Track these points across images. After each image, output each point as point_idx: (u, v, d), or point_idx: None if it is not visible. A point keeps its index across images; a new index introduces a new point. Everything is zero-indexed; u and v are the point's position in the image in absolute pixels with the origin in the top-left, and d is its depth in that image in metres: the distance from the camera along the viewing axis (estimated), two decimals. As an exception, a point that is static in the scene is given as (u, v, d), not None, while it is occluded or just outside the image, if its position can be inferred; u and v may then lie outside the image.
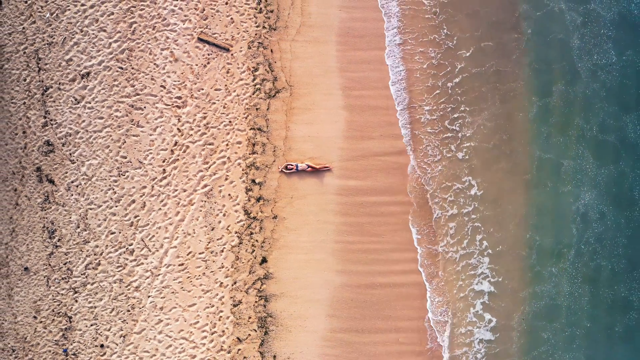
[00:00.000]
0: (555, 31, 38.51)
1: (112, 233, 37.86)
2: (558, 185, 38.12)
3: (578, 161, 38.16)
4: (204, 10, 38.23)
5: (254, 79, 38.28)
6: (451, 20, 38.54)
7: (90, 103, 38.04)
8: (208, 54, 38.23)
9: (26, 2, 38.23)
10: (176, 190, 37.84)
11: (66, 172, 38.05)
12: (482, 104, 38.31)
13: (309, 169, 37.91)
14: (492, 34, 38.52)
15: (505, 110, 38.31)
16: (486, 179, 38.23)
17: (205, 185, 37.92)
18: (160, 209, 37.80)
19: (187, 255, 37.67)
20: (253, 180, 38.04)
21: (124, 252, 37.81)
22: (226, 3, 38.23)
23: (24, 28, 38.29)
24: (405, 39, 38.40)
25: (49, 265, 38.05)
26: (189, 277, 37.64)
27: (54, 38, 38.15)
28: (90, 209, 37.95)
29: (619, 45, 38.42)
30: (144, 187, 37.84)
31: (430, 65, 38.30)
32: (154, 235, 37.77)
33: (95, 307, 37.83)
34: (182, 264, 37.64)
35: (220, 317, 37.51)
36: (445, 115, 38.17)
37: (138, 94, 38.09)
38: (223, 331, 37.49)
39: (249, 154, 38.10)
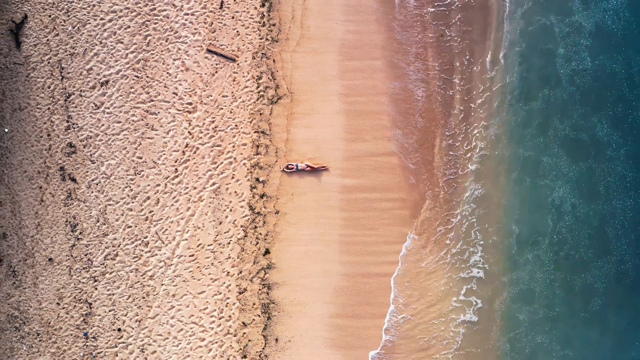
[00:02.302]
0: (545, 42, 41.19)
1: (129, 227, 40.65)
2: (537, 180, 40.85)
3: (554, 159, 40.80)
4: (212, 23, 41.04)
5: (258, 87, 40.97)
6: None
7: (109, 108, 40.84)
8: (216, 64, 40.98)
9: (50, 16, 41.12)
10: (187, 187, 40.63)
11: (87, 172, 40.85)
12: (495, 117, 40.91)
13: (308, 168, 40.46)
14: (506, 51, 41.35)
15: (507, 118, 40.97)
16: (487, 181, 40.84)
17: (214, 184, 40.69)
18: (172, 204, 40.57)
19: (197, 247, 40.43)
20: (257, 179, 40.76)
21: (140, 244, 40.61)
22: (232, 17, 41.07)
23: (48, 40, 41.14)
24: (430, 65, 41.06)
25: (71, 256, 40.87)
26: (198, 267, 40.41)
27: (75, 49, 40.99)
28: (109, 204, 40.75)
29: (593, 51, 41.20)
30: (158, 185, 40.65)
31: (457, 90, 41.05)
32: (167, 229, 40.56)
33: (113, 295, 40.59)
34: (193, 255, 40.41)
35: (227, 303, 40.27)
36: (467, 136, 40.86)
37: (152, 100, 40.86)
38: (230, 316, 40.24)
39: (254, 155, 40.80)
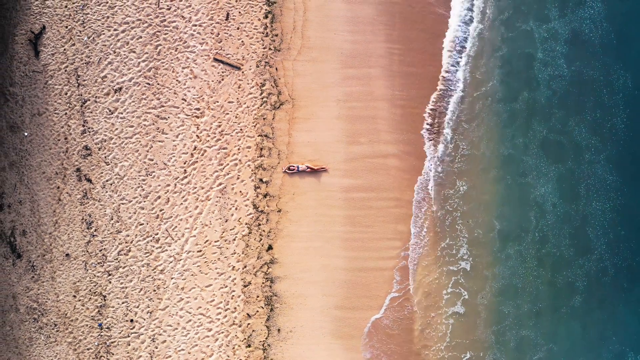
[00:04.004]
0: (524, 47, 43.45)
1: (141, 224, 42.81)
2: (519, 179, 42.98)
3: (535, 160, 42.90)
4: (218, 34, 43.32)
5: (261, 93, 43.15)
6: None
7: (122, 114, 43.00)
8: (222, 72, 43.17)
9: (67, 27, 43.26)
10: (195, 187, 42.76)
11: (102, 172, 42.99)
12: (477, 119, 43.27)
13: (309, 169, 42.49)
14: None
15: (487, 119, 43.37)
16: (470, 179, 43.09)
17: (220, 184, 42.83)
18: (181, 203, 42.70)
19: (205, 243, 42.57)
20: (261, 179, 42.86)
21: (151, 241, 42.70)
22: (238, 28, 43.39)
23: (65, 49, 43.29)
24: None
25: (87, 251, 42.97)
26: (206, 261, 42.51)
27: (91, 58, 43.14)
28: (122, 203, 42.90)
29: (570, 58, 43.36)
30: (168, 185, 42.80)
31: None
32: (176, 226, 42.69)
33: (126, 288, 42.67)
34: (200, 251, 42.56)
35: (233, 296, 42.37)
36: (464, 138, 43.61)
37: (163, 106, 43.04)
38: (235, 308, 42.35)
39: (257, 157, 42.90)
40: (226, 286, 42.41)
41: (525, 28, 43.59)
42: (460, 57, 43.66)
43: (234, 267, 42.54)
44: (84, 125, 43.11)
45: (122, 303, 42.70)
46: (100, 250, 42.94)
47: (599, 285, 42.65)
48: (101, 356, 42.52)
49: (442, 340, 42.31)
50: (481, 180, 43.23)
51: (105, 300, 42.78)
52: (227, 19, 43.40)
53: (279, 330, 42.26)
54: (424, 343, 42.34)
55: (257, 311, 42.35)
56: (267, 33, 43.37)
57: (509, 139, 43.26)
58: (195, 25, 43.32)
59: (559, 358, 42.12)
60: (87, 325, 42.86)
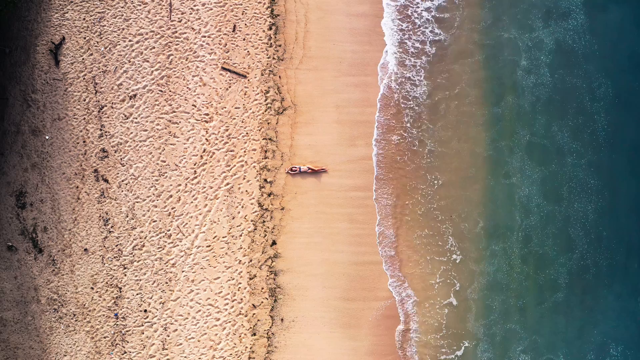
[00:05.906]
0: (508, 54, 45.06)
1: (154, 221, 44.50)
2: (503, 180, 44.62)
3: (519, 162, 44.53)
4: (226, 44, 45.37)
5: (266, 100, 45.02)
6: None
7: (136, 118, 44.85)
8: (229, 80, 45.08)
9: (85, 38, 45.24)
10: (204, 187, 44.55)
11: (118, 173, 44.74)
12: (444, 120, 44.80)
13: (310, 170, 44.21)
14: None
15: (458, 121, 44.94)
16: (447, 175, 44.32)
17: (228, 184, 44.63)
18: (192, 202, 44.48)
19: (213, 238, 44.27)
20: (265, 180, 44.63)
21: (163, 236, 44.46)
22: (244, 39, 45.61)
23: (83, 59, 45.22)
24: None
25: (104, 246, 44.57)
26: (214, 256, 44.21)
27: (107, 67, 45.07)
28: (137, 202, 44.66)
29: (553, 66, 44.92)
30: (179, 184, 44.58)
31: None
32: (187, 223, 44.42)
33: (140, 280, 44.30)
34: (209, 246, 44.27)
35: (239, 288, 44.09)
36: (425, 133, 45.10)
37: (174, 111, 44.93)
38: (241, 299, 44.07)
39: (262, 159, 44.69)
40: (233, 279, 44.08)
41: (507, 36, 44.92)
42: (419, 60, 45.29)
43: (240, 261, 44.21)
44: (101, 130, 44.88)
45: (137, 294, 44.27)
46: (117, 245, 44.53)
47: (581, 281, 44.29)
48: (117, 344, 44.17)
49: (439, 330, 44.01)
50: (460, 177, 44.45)
51: (120, 292, 44.34)
52: (233, 31, 45.52)
53: (282, 319, 43.98)
54: (420, 332, 44.16)
55: (262, 302, 43.99)
56: (271, 44, 45.32)
57: (489, 141, 44.50)
58: (205, 37, 45.38)
59: (543, 350, 43.66)
60: (103, 315, 44.37)
